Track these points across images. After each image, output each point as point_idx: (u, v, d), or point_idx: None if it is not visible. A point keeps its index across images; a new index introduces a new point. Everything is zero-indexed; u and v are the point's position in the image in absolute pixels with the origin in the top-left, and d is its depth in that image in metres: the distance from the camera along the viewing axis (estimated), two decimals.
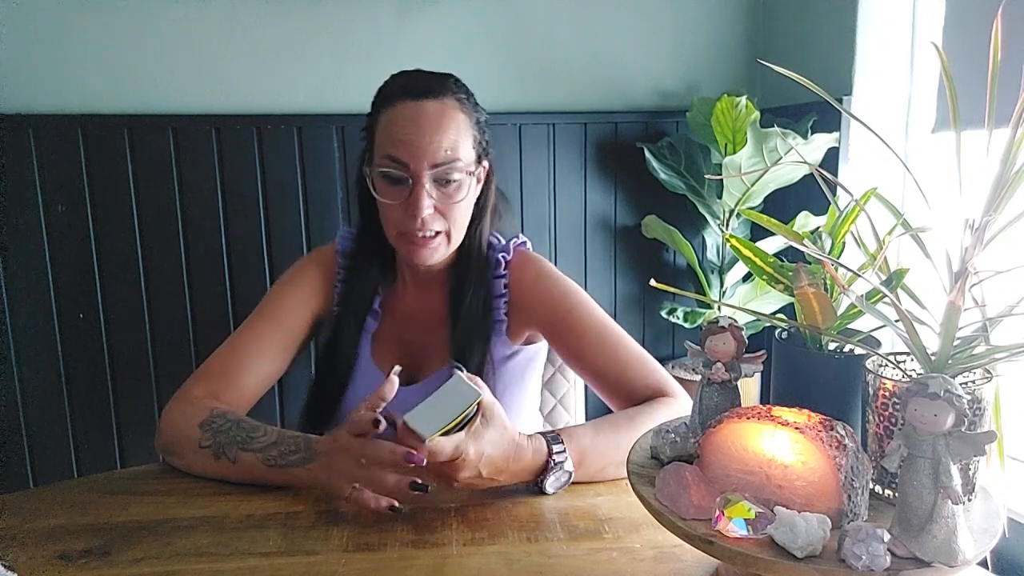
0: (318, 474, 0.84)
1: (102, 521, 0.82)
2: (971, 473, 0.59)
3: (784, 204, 1.78)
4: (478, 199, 1.09)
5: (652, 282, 0.70)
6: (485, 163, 1.09)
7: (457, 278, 1.09)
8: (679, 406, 0.98)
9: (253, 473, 0.88)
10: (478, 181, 1.09)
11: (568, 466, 0.86)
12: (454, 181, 1.01)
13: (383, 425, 0.79)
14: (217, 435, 0.90)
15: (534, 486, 0.87)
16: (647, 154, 1.88)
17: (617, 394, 1.04)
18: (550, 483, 0.86)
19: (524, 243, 1.17)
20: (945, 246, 0.60)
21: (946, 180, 1.17)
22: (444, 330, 1.08)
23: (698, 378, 0.71)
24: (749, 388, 1.79)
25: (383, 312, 1.14)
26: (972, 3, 1.48)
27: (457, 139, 1.00)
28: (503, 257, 1.11)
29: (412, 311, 1.14)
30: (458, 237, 1.06)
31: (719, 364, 0.69)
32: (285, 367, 1.08)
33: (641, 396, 1.02)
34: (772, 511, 0.55)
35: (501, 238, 1.14)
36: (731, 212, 1.83)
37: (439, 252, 1.04)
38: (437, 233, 1.02)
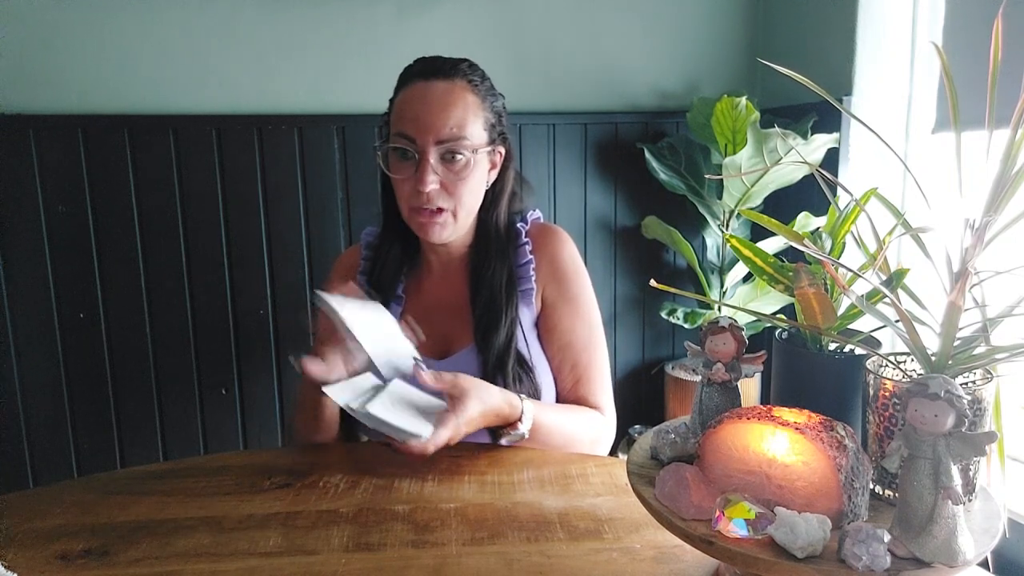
0: None
1: (102, 521, 0.82)
2: (971, 474, 0.59)
3: (784, 204, 1.78)
4: (495, 183, 1.13)
5: (652, 282, 0.70)
6: (501, 149, 1.12)
7: (477, 259, 1.13)
8: (606, 426, 1.12)
9: (312, 419, 1.07)
10: (493, 166, 1.12)
11: (524, 430, 0.98)
12: (460, 159, 1.04)
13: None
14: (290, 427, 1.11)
15: (491, 436, 1.00)
16: (647, 154, 1.88)
17: (564, 386, 1.13)
18: (506, 439, 0.99)
19: (539, 217, 1.20)
20: (945, 246, 0.60)
21: (946, 180, 1.17)
22: (469, 312, 1.11)
23: (698, 378, 0.72)
24: (749, 388, 1.79)
25: (408, 298, 1.16)
26: (972, 3, 1.48)
27: (464, 117, 1.04)
28: (521, 227, 1.15)
29: (437, 296, 1.16)
30: (464, 217, 1.09)
31: (719, 364, 0.69)
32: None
33: (583, 402, 1.12)
34: (772, 511, 0.55)
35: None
36: (731, 212, 1.83)
37: (447, 229, 1.08)
38: (443, 209, 1.06)
